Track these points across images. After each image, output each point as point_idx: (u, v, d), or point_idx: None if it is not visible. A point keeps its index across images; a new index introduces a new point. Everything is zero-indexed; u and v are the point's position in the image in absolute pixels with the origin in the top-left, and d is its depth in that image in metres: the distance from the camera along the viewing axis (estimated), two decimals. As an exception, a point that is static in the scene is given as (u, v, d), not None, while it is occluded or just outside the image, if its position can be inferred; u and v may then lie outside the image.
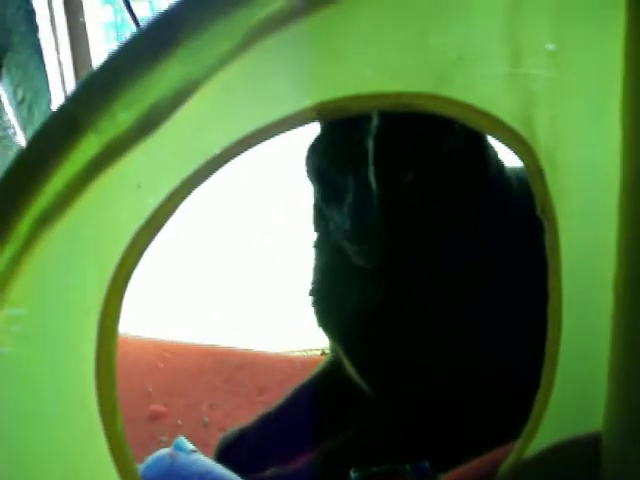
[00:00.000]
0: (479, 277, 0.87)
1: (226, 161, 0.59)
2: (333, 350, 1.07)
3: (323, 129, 0.91)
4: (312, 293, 0.99)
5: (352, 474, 0.89)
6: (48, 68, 1.46)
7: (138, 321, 1.37)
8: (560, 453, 0.70)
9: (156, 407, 1.13)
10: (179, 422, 1.10)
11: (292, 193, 0.93)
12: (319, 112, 0.58)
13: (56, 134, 0.57)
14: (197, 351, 1.28)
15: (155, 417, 1.12)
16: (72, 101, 0.57)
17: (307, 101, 0.58)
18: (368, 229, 0.84)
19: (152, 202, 0.59)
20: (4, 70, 1.57)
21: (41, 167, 0.56)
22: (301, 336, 1.37)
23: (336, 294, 0.95)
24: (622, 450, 0.67)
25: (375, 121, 0.77)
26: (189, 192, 0.59)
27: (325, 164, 0.89)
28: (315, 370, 1.08)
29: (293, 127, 0.58)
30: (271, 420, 1.01)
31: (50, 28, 1.45)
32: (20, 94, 1.58)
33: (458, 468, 0.78)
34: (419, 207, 0.84)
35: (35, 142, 0.57)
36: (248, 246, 1.77)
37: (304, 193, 0.97)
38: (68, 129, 0.56)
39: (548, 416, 0.70)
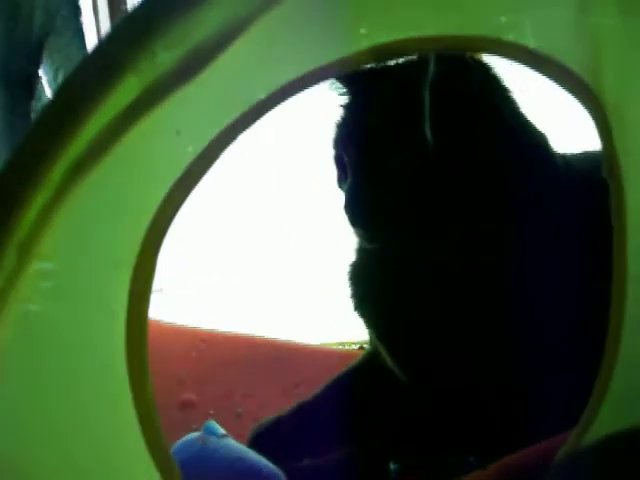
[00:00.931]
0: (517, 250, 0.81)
1: (270, 108, 0.56)
2: (372, 343, 1.02)
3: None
4: (348, 275, 0.95)
5: (392, 466, 0.85)
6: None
7: (174, 308, 1.34)
8: (620, 441, 0.64)
9: (188, 396, 1.10)
10: (211, 412, 1.05)
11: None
12: (375, 55, 0.54)
13: (92, 75, 0.53)
14: (232, 341, 1.25)
15: (186, 406, 1.08)
16: (110, 40, 0.54)
17: (359, 44, 0.54)
18: (362, 211, 0.82)
19: (192, 150, 0.56)
20: (46, 53, 1.57)
21: (76, 111, 0.52)
22: (340, 329, 1.34)
23: (368, 275, 0.92)
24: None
25: (432, 68, 0.73)
26: (231, 140, 0.56)
27: (334, 144, 0.88)
28: (353, 362, 1.04)
29: (342, 71, 0.55)
30: (307, 409, 0.97)
31: (92, 15, 1.43)
32: (61, 77, 1.58)
33: (510, 456, 0.73)
34: (460, 166, 0.80)
35: (69, 84, 0.54)
36: (291, 236, 1.74)
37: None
38: (106, 69, 0.53)
39: (608, 401, 0.65)
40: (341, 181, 0.88)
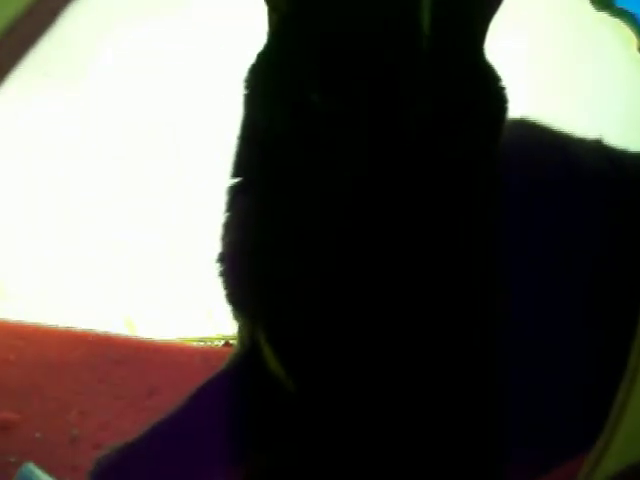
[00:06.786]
0: None
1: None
2: (244, 339, 0.87)
3: None
4: (220, 259, 0.80)
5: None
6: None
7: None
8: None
9: (5, 414, 0.90)
10: (37, 435, 0.87)
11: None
12: None
13: None
14: (62, 338, 1.07)
15: (4, 427, 0.89)
16: None
17: None
18: None
19: None
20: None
21: None
22: (200, 320, 1.21)
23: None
24: None
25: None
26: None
27: None
28: (222, 365, 0.88)
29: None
30: (165, 431, 0.81)
31: None
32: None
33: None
34: None
35: None
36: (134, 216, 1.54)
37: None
38: None
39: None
40: None
